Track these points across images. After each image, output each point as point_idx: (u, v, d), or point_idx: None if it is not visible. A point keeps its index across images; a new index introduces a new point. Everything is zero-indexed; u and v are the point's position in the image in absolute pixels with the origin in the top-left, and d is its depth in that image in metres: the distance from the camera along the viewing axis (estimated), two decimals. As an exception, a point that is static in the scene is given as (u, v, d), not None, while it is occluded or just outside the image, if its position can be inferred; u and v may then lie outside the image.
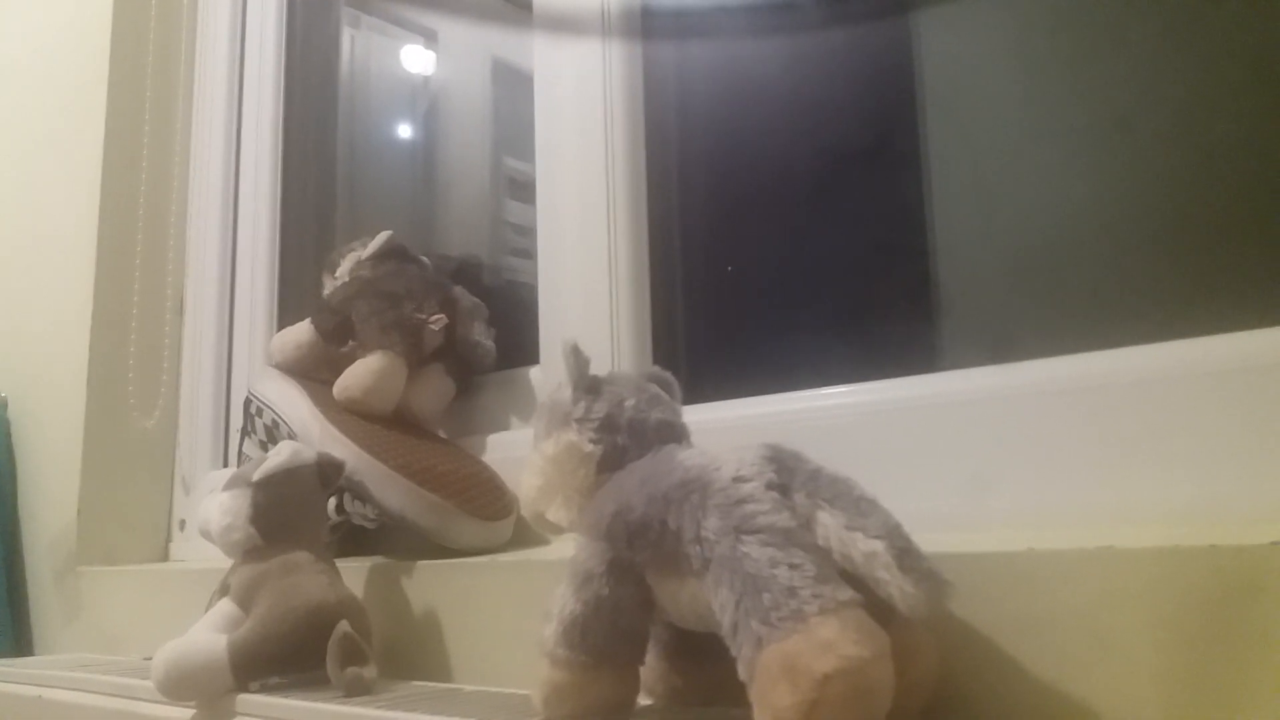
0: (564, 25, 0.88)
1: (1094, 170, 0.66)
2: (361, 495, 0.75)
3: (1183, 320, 0.54)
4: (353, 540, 0.83)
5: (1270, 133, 0.59)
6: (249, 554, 0.68)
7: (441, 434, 0.88)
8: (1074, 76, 0.68)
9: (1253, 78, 0.59)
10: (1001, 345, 0.62)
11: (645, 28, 0.85)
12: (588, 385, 0.53)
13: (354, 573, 0.75)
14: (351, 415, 0.80)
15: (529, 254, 0.90)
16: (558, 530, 0.52)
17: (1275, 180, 0.58)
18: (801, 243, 0.81)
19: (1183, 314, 0.55)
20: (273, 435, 0.84)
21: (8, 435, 1.24)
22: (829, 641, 0.37)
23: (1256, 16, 0.60)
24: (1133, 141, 0.64)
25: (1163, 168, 0.63)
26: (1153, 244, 0.63)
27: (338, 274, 0.91)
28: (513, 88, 1.03)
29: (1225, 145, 0.60)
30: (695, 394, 0.66)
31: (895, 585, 0.39)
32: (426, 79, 1.26)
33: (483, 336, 0.88)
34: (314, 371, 0.88)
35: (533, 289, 0.87)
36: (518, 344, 0.89)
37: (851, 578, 0.40)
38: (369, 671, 0.61)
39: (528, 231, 0.91)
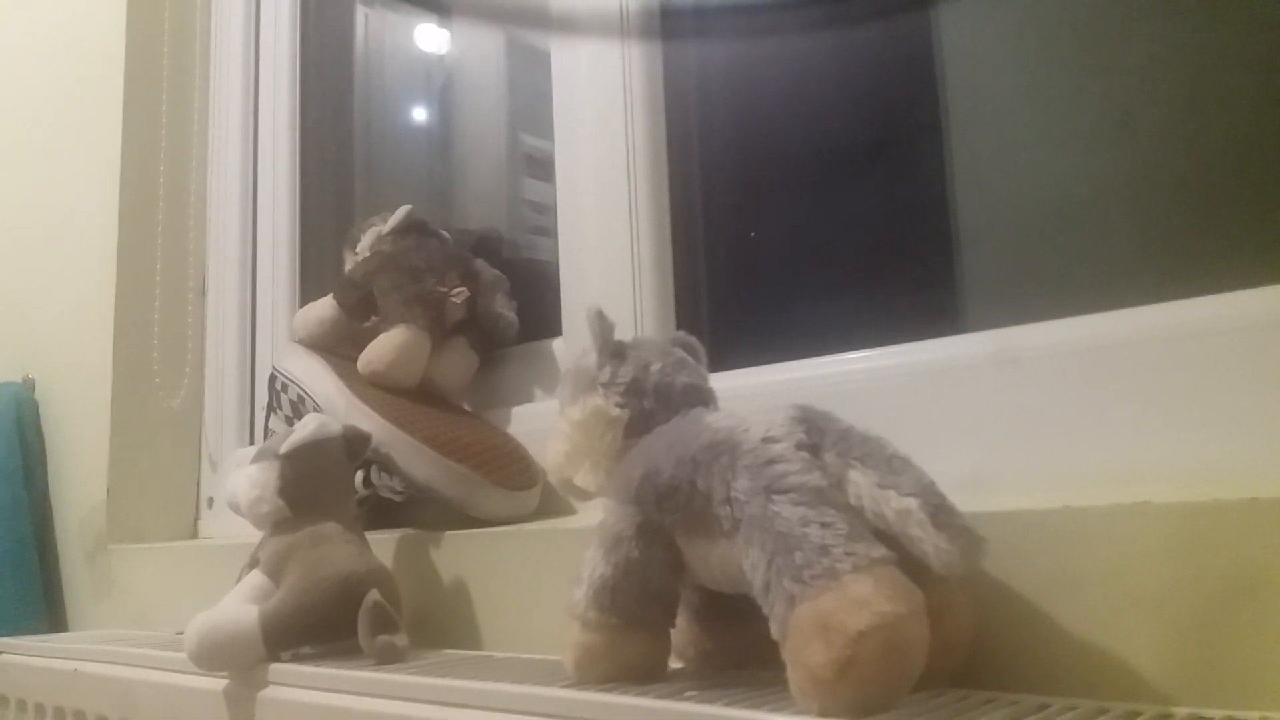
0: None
1: (1114, 135, 0.65)
2: (388, 467, 0.76)
3: (1215, 275, 0.53)
4: (380, 513, 0.83)
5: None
6: (278, 526, 0.69)
7: (466, 406, 0.88)
8: (1092, 51, 0.67)
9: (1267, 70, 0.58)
10: (1028, 304, 0.61)
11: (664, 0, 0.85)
12: (613, 350, 0.53)
13: (383, 544, 0.76)
14: (376, 389, 0.81)
15: (548, 232, 0.90)
16: (586, 496, 0.52)
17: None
18: (824, 208, 0.80)
19: (1215, 269, 0.54)
20: (298, 410, 0.84)
21: (37, 417, 1.25)
22: (863, 598, 0.37)
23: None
24: (1151, 107, 0.63)
25: (1184, 130, 0.62)
26: (1184, 200, 0.62)
27: (359, 249, 0.91)
28: (528, 64, 1.03)
29: (1244, 109, 0.59)
30: (719, 361, 0.66)
31: (929, 542, 0.38)
32: (441, 56, 1.26)
33: (505, 309, 0.88)
34: (337, 347, 0.89)
35: (553, 264, 0.86)
36: (540, 317, 0.89)
37: (885, 537, 0.40)
38: (400, 639, 0.61)
39: (546, 209, 0.91)
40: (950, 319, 0.67)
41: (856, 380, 0.64)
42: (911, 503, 0.39)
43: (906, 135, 0.76)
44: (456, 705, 0.50)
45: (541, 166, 0.95)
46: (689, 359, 0.54)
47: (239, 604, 0.65)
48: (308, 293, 1.13)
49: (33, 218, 1.36)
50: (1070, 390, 0.55)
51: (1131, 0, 0.65)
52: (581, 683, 0.48)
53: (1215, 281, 0.52)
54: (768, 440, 0.43)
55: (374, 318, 0.87)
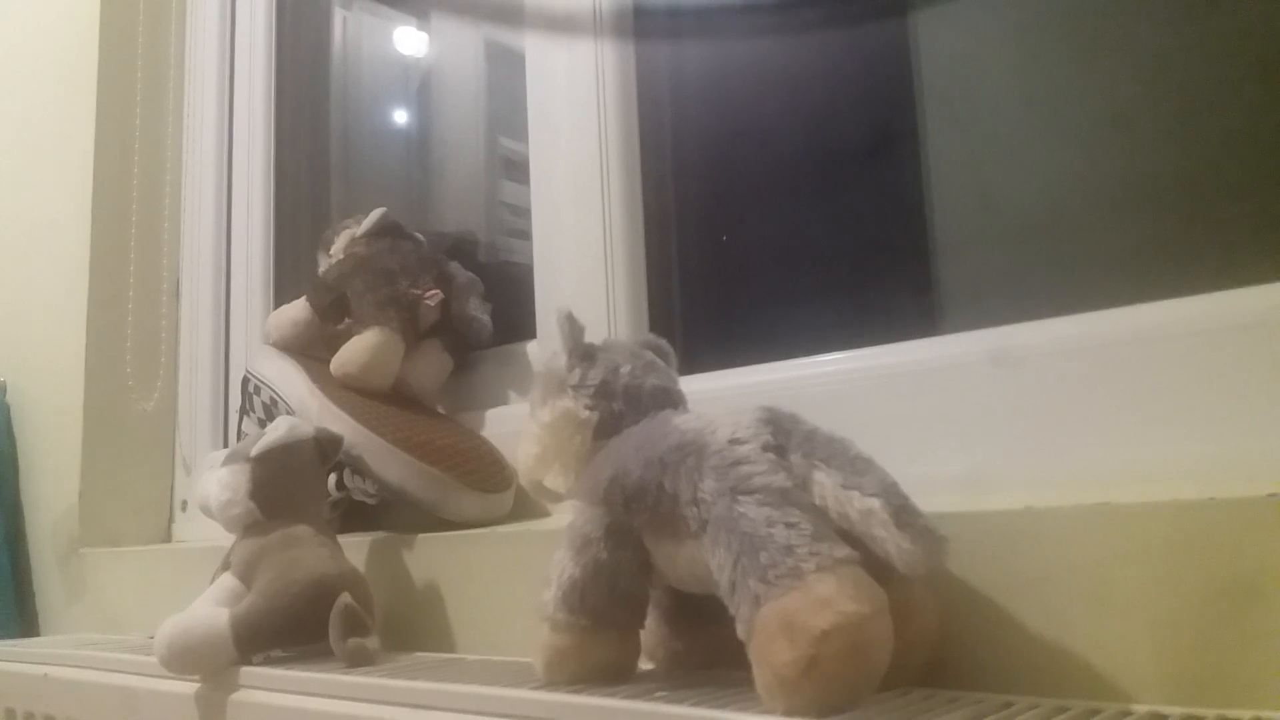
0: (555, 2, 0.87)
1: (1088, 137, 0.66)
2: (361, 470, 0.75)
3: (1179, 278, 0.53)
4: (353, 516, 0.83)
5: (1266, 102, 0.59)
6: (249, 529, 0.69)
7: (439, 409, 0.88)
8: (1071, 54, 0.67)
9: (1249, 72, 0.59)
10: (998, 308, 0.61)
11: (637, 3, 0.85)
12: (583, 352, 0.53)
13: (355, 547, 0.76)
14: (349, 391, 0.81)
15: (525, 234, 0.90)
16: (556, 498, 0.52)
17: (1263, 145, 0.58)
18: (798, 212, 0.80)
19: (1179, 272, 0.55)
20: (271, 413, 0.84)
21: (8, 419, 1.24)
22: (826, 598, 0.37)
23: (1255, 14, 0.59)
24: (1126, 108, 0.64)
25: (1154, 138, 0.63)
26: (1148, 206, 0.63)
27: (333, 251, 0.91)
28: (507, 67, 1.03)
29: (1231, 109, 0.60)
30: (692, 364, 0.66)
31: (892, 542, 0.39)
32: (420, 59, 1.26)
33: (479, 311, 0.88)
34: (311, 349, 0.89)
35: (528, 267, 0.86)
36: (514, 319, 0.89)
37: (849, 537, 0.40)
38: (371, 642, 0.61)
39: (523, 212, 0.91)
40: (925, 323, 0.68)
41: (829, 382, 0.65)
42: (874, 503, 0.40)
43: (883, 138, 0.76)
44: (427, 708, 0.50)
45: (519, 169, 0.96)
46: (658, 361, 0.54)
47: (210, 607, 0.65)
48: (281, 295, 1.13)
49: (4, 218, 1.34)
50: (1037, 392, 0.55)
51: (1110, 3, 0.66)
52: (551, 684, 0.48)
53: (1185, 283, 0.53)
54: (734, 441, 0.44)
55: (347, 320, 0.87)
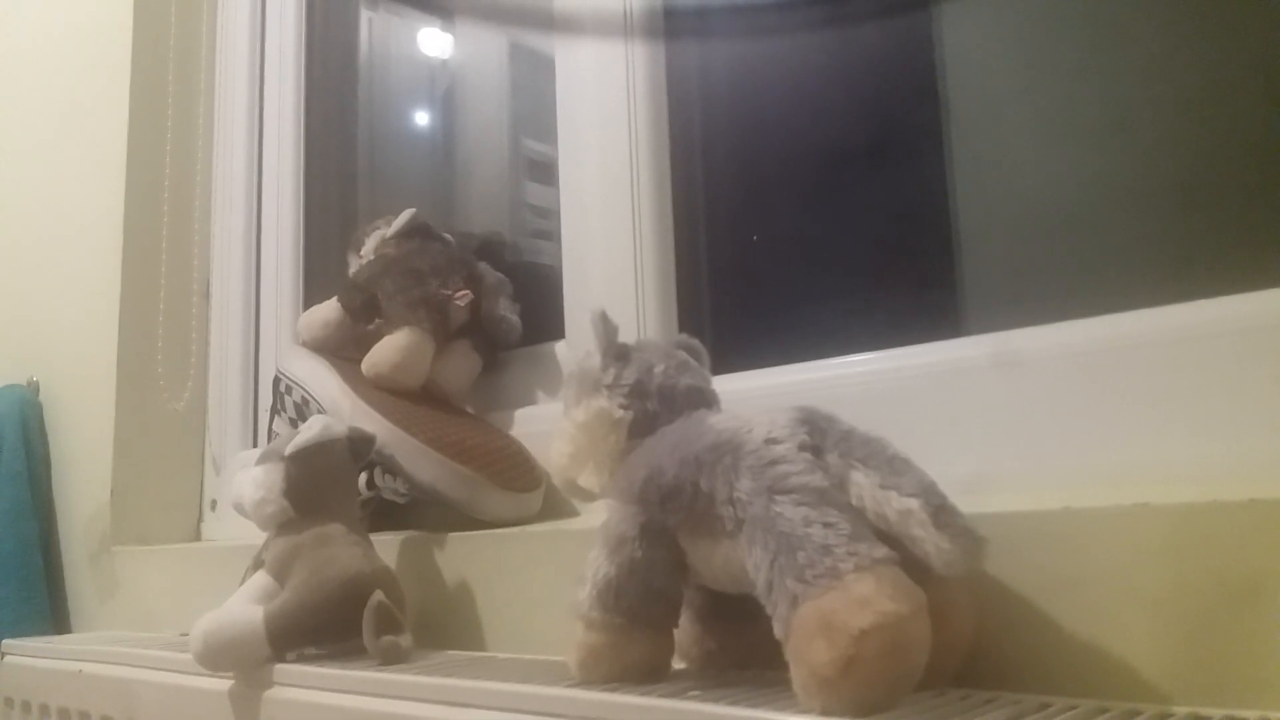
0: (585, 4, 0.87)
1: (1114, 137, 0.65)
2: (392, 469, 0.76)
3: (1215, 278, 0.53)
4: (383, 515, 0.84)
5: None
6: (283, 527, 0.69)
7: (469, 409, 0.88)
8: (1092, 52, 0.67)
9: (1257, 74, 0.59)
10: (1028, 307, 0.61)
11: (667, 4, 0.85)
12: (617, 352, 0.53)
13: (386, 546, 0.76)
14: (380, 391, 0.81)
15: (549, 235, 0.90)
16: (589, 497, 0.53)
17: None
18: (826, 211, 0.80)
19: (1215, 272, 0.55)
20: (302, 413, 0.84)
21: (41, 419, 1.26)
22: (865, 597, 0.37)
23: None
24: (1151, 108, 0.63)
25: (1185, 132, 0.62)
26: (1184, 203, 0.62)
27: (363, 252, 0.92)
28: (531, 69, 1.03)
29: (1245, 110, 0.60)
30: (721, 364, 0.66)
31: (930, 542, 0.39)
32: (445, 61, 1.26)
33: (508, 311, 0.89)
34: (341, 350, 0.89)
35: (555, 267, 0.87)
36: (542, 320, 0.89)
37: (887, 538, 0.40)
38: (404, 640, 0.61)
39: (548, 213, 0.91)
40: (951, 322, 0.68)
41: (858, 383, 0.65)
42: (913, 503, 0.39)
43: (908, 138, 0.76)
44: (460, 705, 0.51)
45: (543, 170, 0.96)
46: (692, 361, 0.55)
47: (244, 605, 0.65)
48: (312, 296, 1.13)
49: (38, 220, 1.36)
50: (1070, 392, 0.55)
51: (1132, 1, 0.65)
52: (585, 682, 0.48)
53: (1214, 285, 0.53)
54: (771, 441, 0.44)
55: (378, 320, 0.87)
